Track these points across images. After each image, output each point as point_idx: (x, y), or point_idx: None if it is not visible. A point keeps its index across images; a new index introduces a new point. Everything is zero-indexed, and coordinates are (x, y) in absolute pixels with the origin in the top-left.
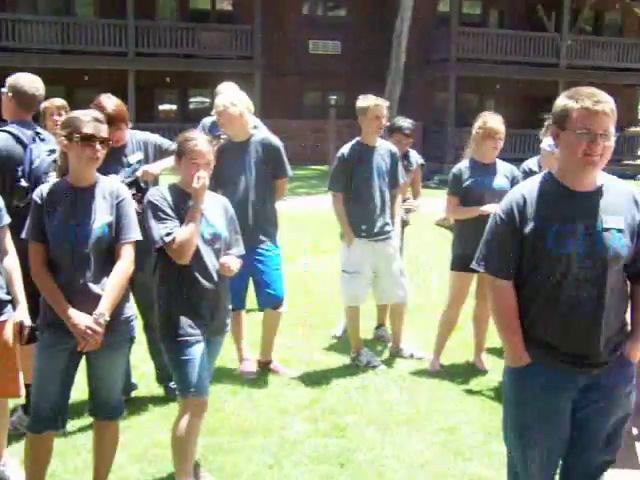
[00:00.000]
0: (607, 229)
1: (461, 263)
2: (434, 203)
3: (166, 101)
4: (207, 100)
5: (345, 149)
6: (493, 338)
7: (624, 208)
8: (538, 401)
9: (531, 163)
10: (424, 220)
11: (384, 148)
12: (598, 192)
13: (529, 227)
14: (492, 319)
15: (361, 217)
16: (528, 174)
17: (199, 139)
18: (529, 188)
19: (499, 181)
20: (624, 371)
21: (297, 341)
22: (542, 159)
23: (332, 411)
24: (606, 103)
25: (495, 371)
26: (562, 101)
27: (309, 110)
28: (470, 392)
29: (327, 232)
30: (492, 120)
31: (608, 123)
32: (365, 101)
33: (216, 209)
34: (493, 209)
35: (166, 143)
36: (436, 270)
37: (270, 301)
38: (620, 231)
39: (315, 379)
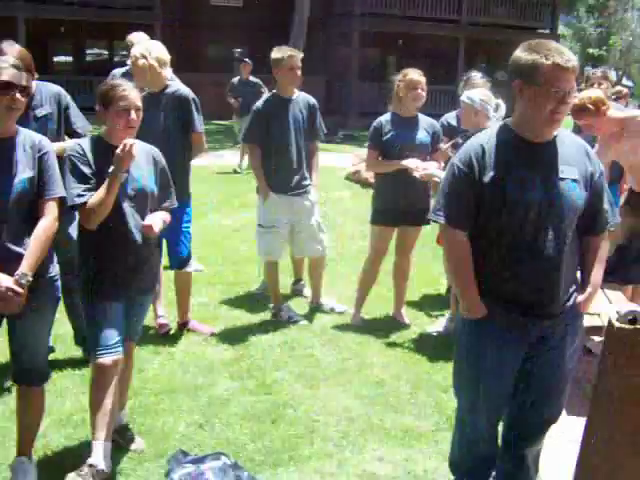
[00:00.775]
0: (563, 179)
1: (381, 217)
2: (340, 158)
3: (61, 52)
4: (105, 52)
5: (260, 102)
6: (412, 292)
7: (577, 159)
8: (492, 353)
9: (449, 117)
10: (332, 174)
11: (302, 100)
12: (554, 143)
13: (488, 176)
14: (446, 270)
15: (277, 170)
16: (447, 128)
17: (126, 85)
18: (487, 138)
19: (420, 135)
20: (574, 323)
21: (216, 299)
22: (462, 112)
23: (258, 368)
24: (574, 60)
25: (415, 324)
26: (528, 55)
27: (212, 63)
28: (393, 345)
29: (236, 187)
30: (412, 72)
31: (574, 80)
32: (280, 52)
33: (143, 161)
34: (413, 164)
35: (79, 122)
36: (350, 223)
37: (176, 261)
38: (575, 181)
39: (237, 336)
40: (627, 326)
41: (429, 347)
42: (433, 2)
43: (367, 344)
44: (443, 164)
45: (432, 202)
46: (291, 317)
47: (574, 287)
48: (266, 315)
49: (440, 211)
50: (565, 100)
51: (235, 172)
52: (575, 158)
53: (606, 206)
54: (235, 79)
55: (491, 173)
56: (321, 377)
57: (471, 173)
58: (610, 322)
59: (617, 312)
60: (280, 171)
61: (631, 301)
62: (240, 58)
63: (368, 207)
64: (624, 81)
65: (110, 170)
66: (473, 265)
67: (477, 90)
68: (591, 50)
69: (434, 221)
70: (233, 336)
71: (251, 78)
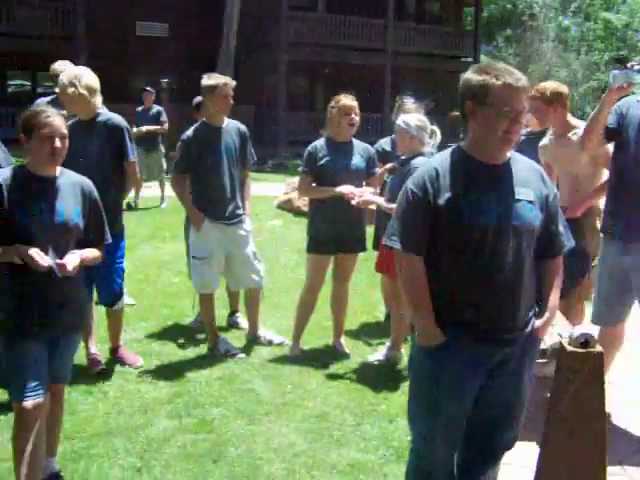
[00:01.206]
0: (519, 200)
1: (317, 245)
2: (271, 187)
3: None
4: (27, 83)
5: (190, 131)
6: (350, 320)
7: (532, 181)
8: (452, 380)
9: (384, 143)
10: (264, 203)
11: (232, 128)
12: (508, 165)
13: (443, 199)
14: (403, 296)
15: (211, 200)
16: (382, 154)
17: (50, 111)
18: (440, 161)
19: (355, 160)
20: (532, 348)
21: (149, 334)
22: (397, 137)
23: (196, 405)
24: (524, 79)
25: (356, 353)
26: (479, 76)
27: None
28: (335, 376)
29: (166, 219)
30: (345, 98)
31: (525, 100)
32: (213, 79)
33: (68, 193)
34: (348, 190)
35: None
36: (284, 252)
37: (107, 297)
38: (531, 202)
39: (173, 372)
40: (580, 349)
41: (371, 377)
42: (359, 31)
43: (308, 376)
44: (379, 190)
45: (367, 229)
46: (228, 351)
47: (532, 311)
48: (202, 349)
49: (395, 236)
50: (518, 120)
51: (129, 207)
52: (530, 180)
53: (561, 229)
54: (139, 108)
55: (446, 196)
56: (262, 412)
57: (425, 197)
58: (563, 346)
59: (569, 336)
60: (214, 201)
61: (564, 315)
62: (144, 88)
63: (301, 235)
64: None
65: (15, 246)
66: (430, 290)
67: (413, 115)
68: None
69: (390, 247)
70: (169, 372)
71: (154, 107)
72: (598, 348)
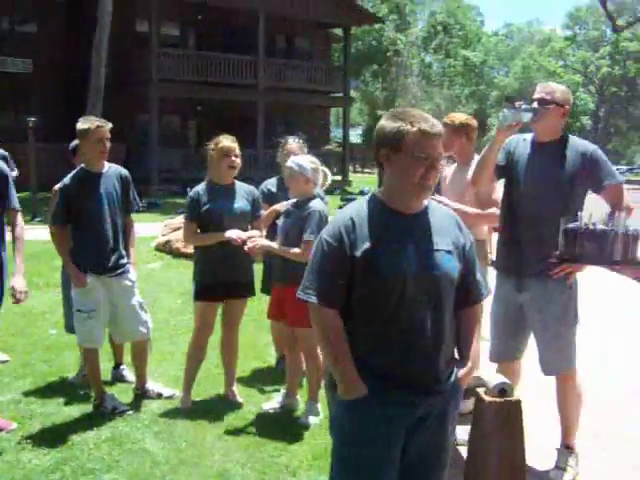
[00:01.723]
0: (437, 250)
1: (205, 292)
2: (147, 227)
3: None
4: None
5: (67, 179)
6: (241, 366)
7: (450, 230)
8: (379, 435)
9: (269, 184)
10: (141, 244)
11: (113, 173)
12: (425, 213)
13: (360, 250)
14: (321, 350)
15: (92, 252)
16: (267, 195)
17: None
18: (356, 211)
19: (240, 204)
20: (455, 398)
21: (27, 394)
22: (288, 179)
23: (85, 471)
24: (439, 125)
25: (250, 402)
26: (393, 123)
27: (2, 134)
28: (231, 428)
29: (39, 266)
30: (225, 139)
31: (441, 146)
32: (87, 123)
33: None
34: (235, 234)
35: None
36: (166, 297)
37: None
38: (449, 252)
39: (57, 435)
40: (497, 399)
41: (268, 427)
42: (230, 68)
43: (203, 430)
44: (264, 232)
45: (254, 271)
46: (116, 407)
47: (453, 361)
48: (87, 407)
49: (310, 289)
50: (434, 166)
51: None
52: (447, 229)
53: (478, 277)
54: None
55: (363, 247)
56: (158, 475)
57: (341, 247)
58: (480, 396)
59: (485, 385)
60: (95, 252)
61: None
62: None
63: (183, 278)
64: None
65: None
66: (350, 343)
67: (304, 157)
68: (379, 112)
69: (304, 300)
70: (53, 436)
71: None
72: (516, 396)
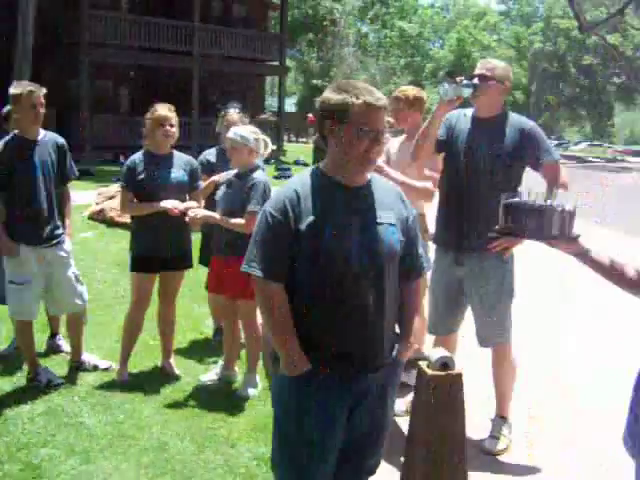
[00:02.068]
0: (381, 223)
1: (141, 264)
2: (80, 195)
3: None
4: None
5: None
6: (178, 338)
7: (393, 204)
8: (323, 410)
9: (209, 154)
10: (74, 213)
11: (49, 140)
12: (369, 187)
13: (305, 224)
14: (264, 324)
15: (26, 222)
16: (207, 166)
17: None
18: (300, 183)
19: (177, 174)
20: (395, 373)
21: None
22: (231, 150)
23: (20, 446)
24: (384, 98)
25: (188, 374)
26: (338, 95)
27: None
28: (169, 400)
29: None
30: (161, 108)
31: (385, 119)
32: (19, 87)
33: None
34: (171, 204)
35: None
36: (101, 267)
37: None
38: (393, 225)
39: None
40: (440, 372)
41: (207, 399)
42: (164, 33)
43: (140, 402)
44: (203, 203)
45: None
46: (51, 380)
47: (394, 336)
48: (21, 381)
49: (254, 263)
50: (378, 139)
51: None
52: (391, 202)
53: (420, 251)
54: None
55: (307, 220)
56: (96, 448)
57: (286, 221)
58: (422, 370)
59: (427, 359)
60: (29, 222)
61: None
62: None
63: (117, 248)
64: None
65: None
66: (294, 317)
67: (246, 127)
68: (314, 81)
69: (247, 274)
70: None
71: None
72: (457, 370)
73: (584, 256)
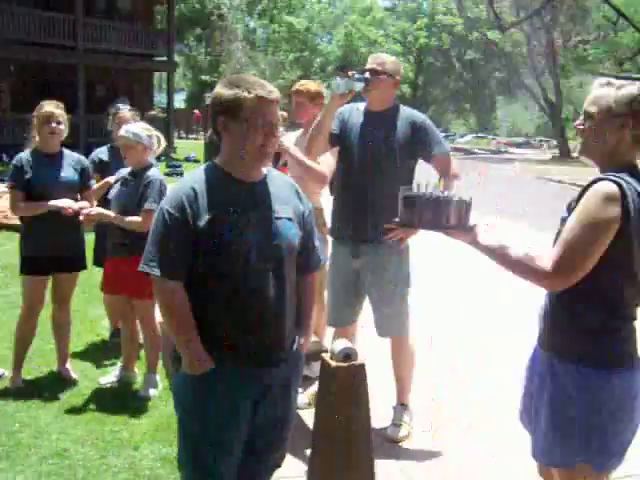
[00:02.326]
0: (279, 217)
1: (32, 265)
2: None
3: None
4: None
5: None
6: (74, 341)
7: (290, 198)
8: (227, 407)
9: (101, 152)
10: None
11: None
12: (265, 182)
13: (203, 220)
14: (165, 324)
15: None
16: (98, 165)
17: None
18: (197, 180)
19: (67, 173)
20: (297, 366)
21: None
22: (125, 149)
23: None
24: (276, 92)
25: (86, 378)
26: (230, 90)
27: None
28: (66, 406)
29: None
30: (48, 105)
31: (278, 112)
32: None
33: None
34: (63, 204)
35: None
36: None
37: None
38: (290, 219)
39: None
40: (343, 364)
41: (106, 402)
42: (46, 27)
43: (37, 409)
44: (96, 203)
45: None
46: None
47: (295, 329)
48: None
49: (153, 262)
50: (273, 133)
51: None
52: (287, 197)
53: (317, 244)
54: None
55: (206, 216)
56: None
57: (183, 218)
58: (325, 361)
59: (331, 351)
60: None
61: None
62: None
63: (3, 250)
64: None
65: None
66: (195, 315)
67: (137, 125)
68: (203, 77)
69: (146, 273)
70: None
71: None
72: (360, 360)
73: (480, 244)
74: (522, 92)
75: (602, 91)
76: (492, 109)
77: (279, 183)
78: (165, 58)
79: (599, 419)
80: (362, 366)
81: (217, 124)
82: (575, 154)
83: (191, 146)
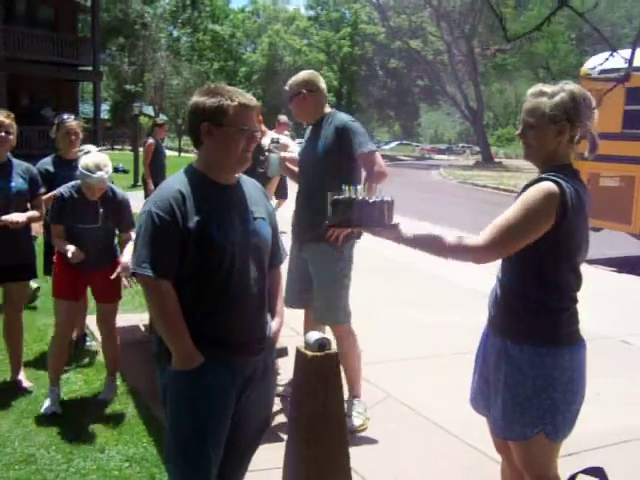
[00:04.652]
0: (256, 218)
1: None
2: None
3: None
4: None
5: None
6: (26, 350)
7: (260, 200)
8: (213, 404)
9: (46, 163)
10: None
11: None
12: (240, 185)
13: (193, 222)
14: (156, 322)
15: None
16: (45, 176)
17: None
18: (182, 183)
19: (16, 183)
20: (271, 354)
21: None
22: (98, 189)
23: None
24: (254, 99)
25: (41, 386)
26: (212, 98)
27: None
28: (25, 414)
29: None
30: None
31: (257, 119)
32: None
33: None
34: (18, 217)
35: None
36: None
37: None
38: (264, 219)
39: None
40: (318, 353)
41: (67, 408)
42: None
43: None
44: (45, 212)
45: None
46: None
47: (269, 318)
48: None
49: (145, 264)
50: (254, 137)
51: None
52: (259, 198)
53: (280, 241)
54: None
55: (195, 219)
56: None
57: (173, 220)
58: (300, 351)
59: (305, 341)
60: None
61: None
62: None
63: None
64: (161, 115)
65: None
66: (184, 313)
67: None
68: (128, 86)
69: (133, 274)
70: None
71: None
72: (333, 349)
73: (405, 239)
74: (444, 99)
75: (537, 101)
76: (416, 116)
77: (249, 186)
78: (90, 68)
79: (553, 393)
80: (335, 355)
81: (200, 132)
82: (497, 159)
83: (118, 157)
